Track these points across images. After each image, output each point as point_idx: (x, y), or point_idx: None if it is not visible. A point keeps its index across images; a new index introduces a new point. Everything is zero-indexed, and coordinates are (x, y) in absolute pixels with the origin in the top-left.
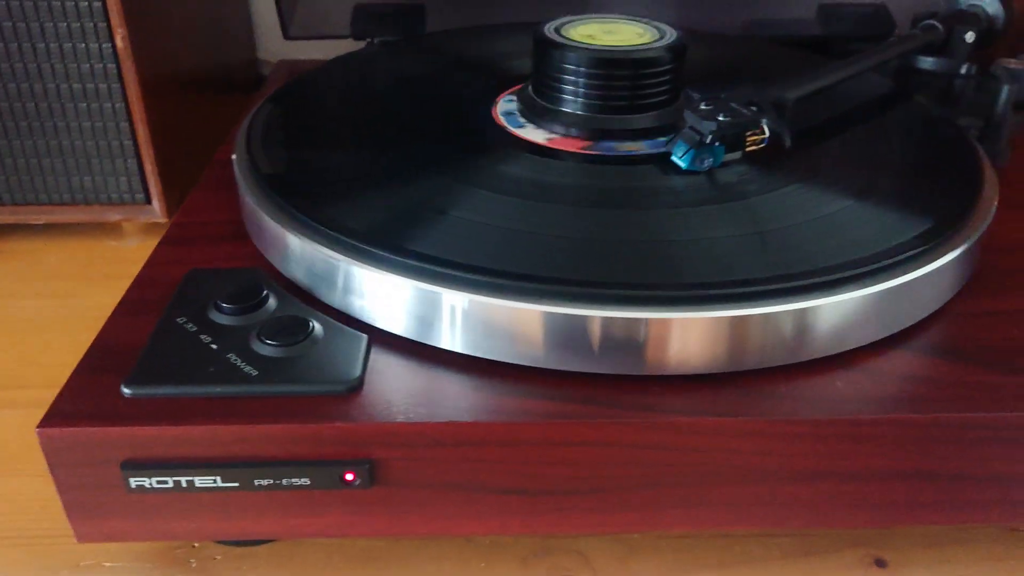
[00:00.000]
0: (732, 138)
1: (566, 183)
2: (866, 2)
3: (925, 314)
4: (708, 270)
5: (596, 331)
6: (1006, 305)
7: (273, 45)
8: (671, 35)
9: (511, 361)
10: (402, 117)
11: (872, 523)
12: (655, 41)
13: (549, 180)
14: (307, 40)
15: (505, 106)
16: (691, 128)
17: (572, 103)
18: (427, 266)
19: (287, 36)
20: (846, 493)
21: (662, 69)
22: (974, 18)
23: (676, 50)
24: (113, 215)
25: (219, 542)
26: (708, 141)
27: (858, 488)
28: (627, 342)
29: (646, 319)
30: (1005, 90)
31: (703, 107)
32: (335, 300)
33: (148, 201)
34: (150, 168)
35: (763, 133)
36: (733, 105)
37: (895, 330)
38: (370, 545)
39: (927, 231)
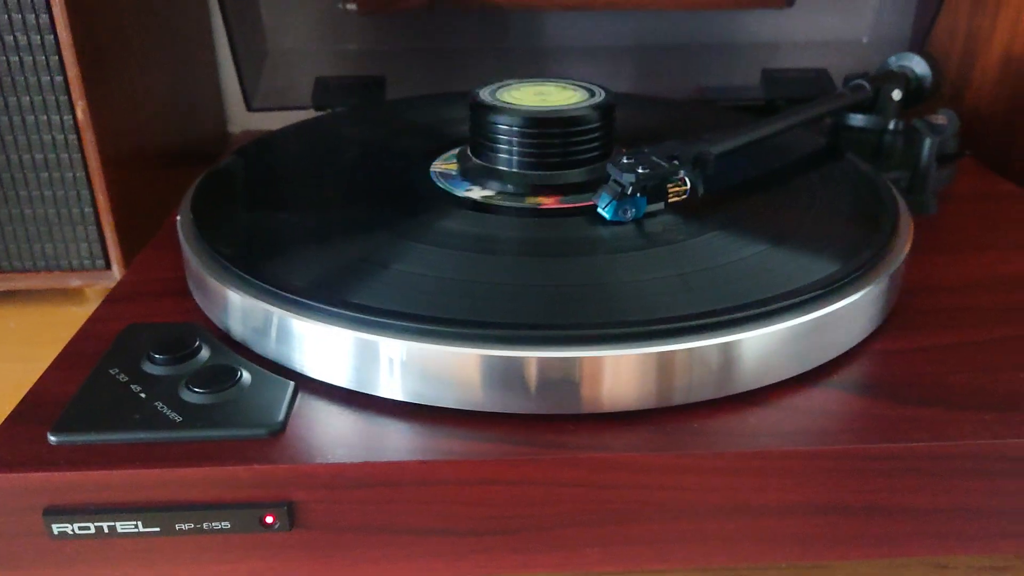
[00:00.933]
0: (653, 189)
1: (498, 235)
2: (807, 67)
3: (839, 352)
4: (633, 310)
5: (525, 372)
6: (919, 343)
7: (242, 118)
8: (600, 95)
9: (440, 405)
10: (343, 180)
11: (794, 558)
12: (584, 101)
13: (483, 233)
14: (271, 111)
15: (444, 167)
16: (614, 180)
17: (507, 161)
18: (351, 313)
19: (250, 108)
20: (765, 528)
21: (590, 127)
22: (902, 78)
23: (603, 109)
24: (74, 281)
25: None
26: (629, 192)
27: (776, 523)
28: (556, 381)
29: (575, 358)
30: (927, 143)
31: (625, 161)
32: (269, 351)
33: (108, 267)
34: (110, 235)
35: (684, 185)
36: (654, 158)
37: (809, 367)
38: None
39: (838, 271)
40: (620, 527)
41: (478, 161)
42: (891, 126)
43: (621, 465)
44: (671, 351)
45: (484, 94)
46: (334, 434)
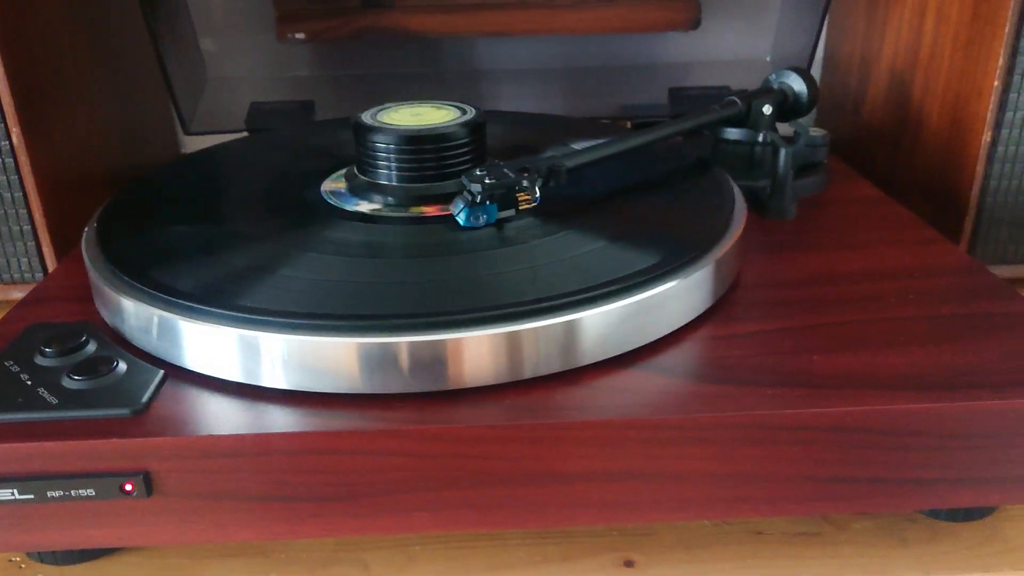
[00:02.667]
0: (502, 197)
1: (371, 241)
2: (711, 85)
3: (661, 334)
4: (484, 298)
5: (383, 356)
6: (735, 330)
7: (196, 140)
8: (471, 113)
9: (304, 389)
10: (240, 200)
11: (601, 521)
12: (454, 119)
13: (357, 239)
14: (213, 135)
15: (334, 185)
16: (467, 190)
17: (387, 176)
18: (221, 311)
19: (187, 132)
20: (572, 493)
21: (460, 142)
22: (777, 93)
23: (472, 126)
24: (15, 293)
25: (43, 561)
26: (478, 201)
27: (583, 489)
28: (406, 363)
29: (430, 341)
30: (783, 154)
31: (477, 172)
32: (150, 347)
33: None
34: (47, 250)
35: (534, 193)
36: (505, 170)
37: (633, 347)
38: (178, 562)
39: (658, 263)
40: (443, 493)
41: (363, 178)
42: (760, 138)
43: (441, 437)
44: (512, 331)
45: (366, 117)
46: (190, 414)
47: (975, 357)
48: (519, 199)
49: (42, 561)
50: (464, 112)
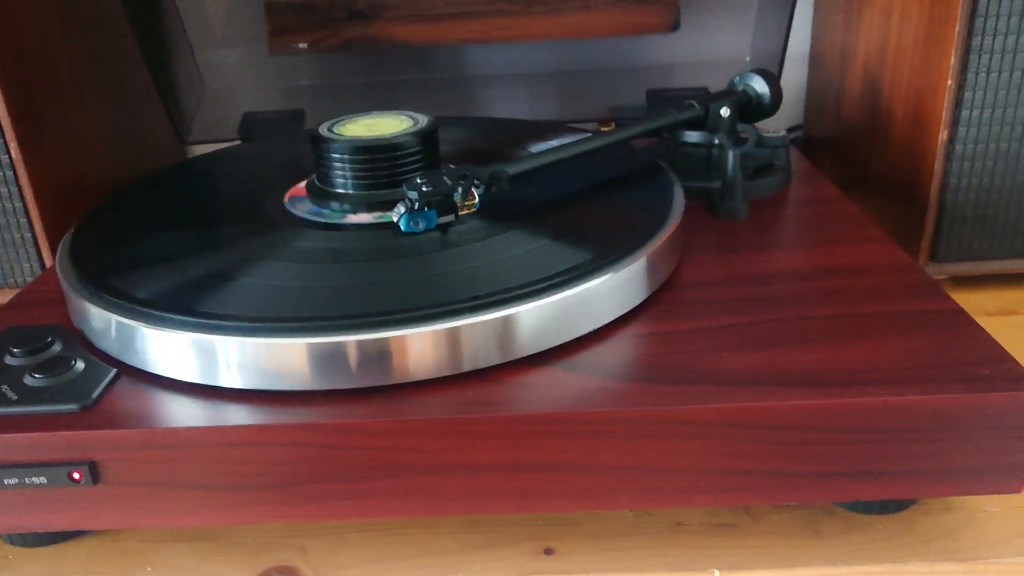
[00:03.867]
0: (441, 203)
1: (321, 247)
2: (688, 86)
3: (584, 331)
4: (421, 298)
5: (313, 354)
6: (656, 328)
7: (201, 150)
8: (422, 122)
9: (252, 388)
10: (206, 212)
11: (515, 509)
12: (406, 129)
13: (308, 246)
14: (206, 144)
15: (296, 194)
16: (407, 197)
17: (343, 184)
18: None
19: (184, 143)
20: (485, 483)
21: (410, 150)
22: (738, 95)
23: (422, 134)
24: None
25: (13, 543)
26: (416, 207)
27: (493, 478)
28: (340, 361)
29: (370, 340)
30: (730, 155)
31: (417, 180)
32: (102, 344)
33: None
34: (47, 256)
35: (474, 199)
36: (445, 177)
37: (555, 343)
38: (135, 546)
39: (583, 263)
40: (360, 483)
41: (321, 187)
42: (716, 140)
43: (353, 430)
44: (446, 328)
45: (322, 129)
46: (137, 409)
47: (879, 355)
48: (459, 205)
49: (11, 543)
50: (416, 121)
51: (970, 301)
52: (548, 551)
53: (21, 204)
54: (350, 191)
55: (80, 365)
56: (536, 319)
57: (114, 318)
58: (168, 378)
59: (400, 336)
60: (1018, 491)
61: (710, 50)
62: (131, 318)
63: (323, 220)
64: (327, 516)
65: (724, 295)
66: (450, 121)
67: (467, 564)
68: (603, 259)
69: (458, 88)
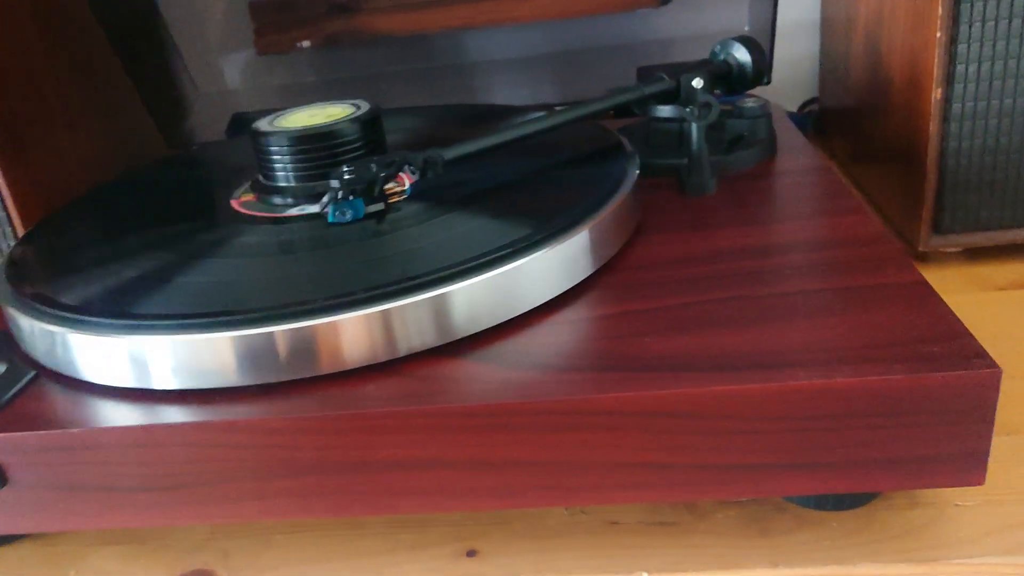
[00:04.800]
0: (367, 192)
1: (258, 242)
2: (678, 62)
3: (506, 317)
4: (348, 284)
5: (241, 348)
6: (587, 314)
7: None
8: (363, 109)
9: (166, 388)
10: (148, 217)
11: (420, 509)
12: (347, 116)
13: (251, 241)
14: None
15: (243, 193)
16: (333, 187)
17: (284, 177)
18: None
19: (170, 147)
20: (386, 482)
21: (350, 138)
22: (713, 65)
23: (363, 121)
24: None
25: None
26: (339, 197)
27: (395, 477)
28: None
29: (296, 329)
30: (694, 128)
31: (344, 168)
32: (27, 350)
33: None
34: None
35: (403, 186)
36: (372, 165)
37: (486, 326)
38: (65, 549)
39: (517, 240)
40: (264, 483)
41: (265, 182)
42: (700, 116)
43: (248, 428)
44: (366, 314)
45: (261, 123)
46: (49, 412)
47: (821, 334)
48: (387, 192)
49: None
50: (357, 108)
51: (981, 275)
52: (471, 553)
53: (5, 214)
54: (292, 183)
55: (1, 368)
56: (465, 300)
57: (29, 322)
58: (83, 380)
59: (323, 324)
60: (980, 483)
61: (705, 23)
62: (46, 321)
63: (264, 215)
64: (237, 517)
65: (672, 275)
66: (412, 110)
67: (385, 567)
68: (533, 237)
69: (453, 76)
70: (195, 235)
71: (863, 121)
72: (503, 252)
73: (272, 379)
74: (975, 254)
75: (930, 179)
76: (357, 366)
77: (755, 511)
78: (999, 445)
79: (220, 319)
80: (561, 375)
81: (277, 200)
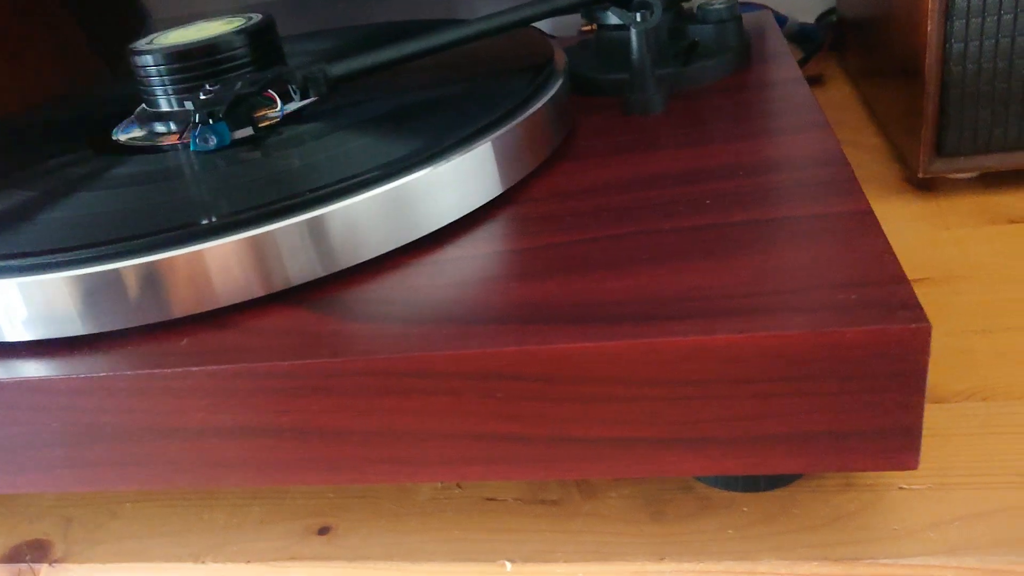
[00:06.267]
0: (235, 116)
1: (129, 173)
2: None
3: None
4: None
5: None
6: (457, 253)
7: None
8: (255, 19)
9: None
10: (29, 152)
11: (246, 482)
12: (233, 28)
13: (121, 173)
14: None
15: (127, 123)
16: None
17: (166, 101)
18: None
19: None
20: (209, 449)
21: (234, 53)
22: None
23: (251, 33)
24: None
25: None
26: (199, 120)
27: (220, 445)
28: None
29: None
30: (634, 35)
31: (205, 88)
32: None
33: None
34: None
35: (275, 107)
36: (239, 85)
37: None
38: None
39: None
40: (74, 449)
41: (148, 109)
42: (639, 19)
43: (48, 389)
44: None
45: (140, 42)
46: None
47: (720, 277)
48: (257, 116)
49: None
50: (249, 19)
51: (993, 205)
52: (323, 530)
53: None
54: (174, 108)
55: None
56: (302, 238)
57: None
58: None
59: (142, 264)
60: (911, 467)
61: None
62: None
63: (145, 145)
64: (51, 486)
65: (575, 206)
66: (337, 32)
67: (227, 543)
68: (369, 174)
69: None
70: (62, 170)
71: (872, 30)
72: (343, 185)
73: (90, 329)
74: (989, 181)
75: (930, 90)
76: (185, 315)
77: (655, 490)
78: (975, 412)
79: (15, 262)
80: (394, 327)
81: (160, 128)
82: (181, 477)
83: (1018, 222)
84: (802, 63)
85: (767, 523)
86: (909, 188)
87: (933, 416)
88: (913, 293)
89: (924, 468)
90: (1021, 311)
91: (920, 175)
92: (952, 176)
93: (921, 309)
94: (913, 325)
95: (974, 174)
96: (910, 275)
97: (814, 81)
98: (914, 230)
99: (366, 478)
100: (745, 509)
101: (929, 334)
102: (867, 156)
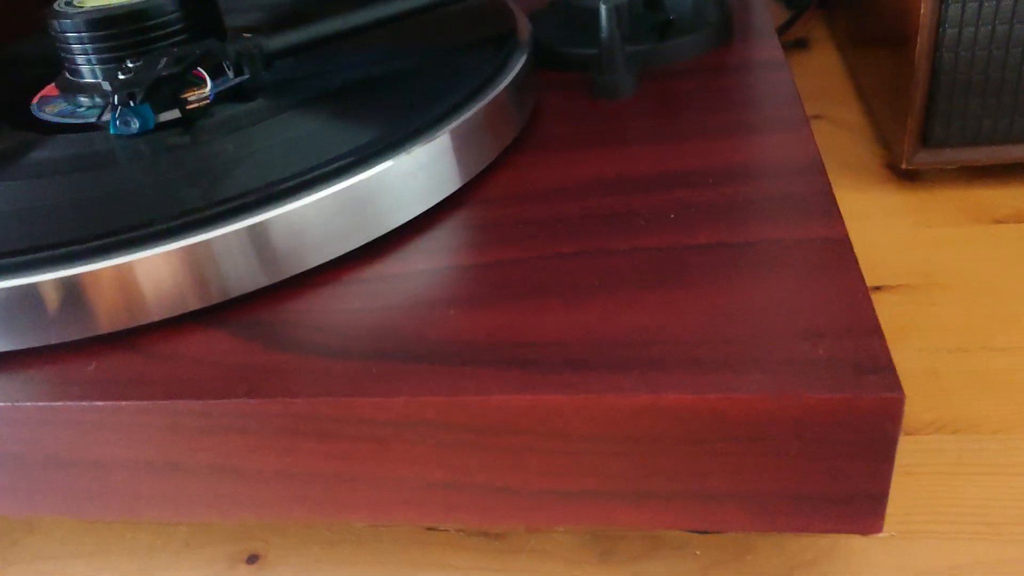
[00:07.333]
0: (158, 97)
1: (48, 158)
2: None
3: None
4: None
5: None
6: (396, 269)
7: None
8: None
9: None
10: None
11: (152, 516)
12: None
13: (40, 158)
14: None
15: (48, 92)
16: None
17: (90, 72)
18: None
19: None
20: (114, 484)
21: (164, 20)
22: None
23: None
24: None
25: None
26: (117, 102)
27: (111, 478)
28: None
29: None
30: (603, 11)
31: (129, 65)
32: None
33: None
34: None
35: (204, 87)
36: (164, 60)
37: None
38: None
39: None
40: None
41: (70, 78)
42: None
43: None
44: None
45: (60, 3)
46: None
47: (667, 317)
48: (184, 97)
49: None
50: None
51: (978, 202)
52: (251, 559)
53: None
54: (99, 79)
55: None
56: (230, 251)
57: None
58: None
59: (90, 272)
60: (875, 531)
61: None
62: None
63: (67, 122)
64: None
65: (524, 214)
66: None
67: (149, 568)
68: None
69: None
70: None
71: (873, 6)
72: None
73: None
74: (973, 175)
75: (919, 77)
76: (96, 334)
77: (605, 528)
78: (944, 447)
79: None
80: (319, 362)
81: (83, 100)
82: (92, 508)
83: (1004, 222)
84: (789, 23)
85: (717, 568)
86: (891, 177)
87: (899, 448)
88: (887, 350)
89: (888, 509)
90: (999, 329)
91: (903, 166)
92: (936, 167)
93: (894, 373)
94: (884, 395)
95: (954, 167)
96: (886, 280)
97: (799, 45)
98: (893, 227)
99: (290, 515)
100: (698, 552)
101: (902, 404)
102: (849, 136)
